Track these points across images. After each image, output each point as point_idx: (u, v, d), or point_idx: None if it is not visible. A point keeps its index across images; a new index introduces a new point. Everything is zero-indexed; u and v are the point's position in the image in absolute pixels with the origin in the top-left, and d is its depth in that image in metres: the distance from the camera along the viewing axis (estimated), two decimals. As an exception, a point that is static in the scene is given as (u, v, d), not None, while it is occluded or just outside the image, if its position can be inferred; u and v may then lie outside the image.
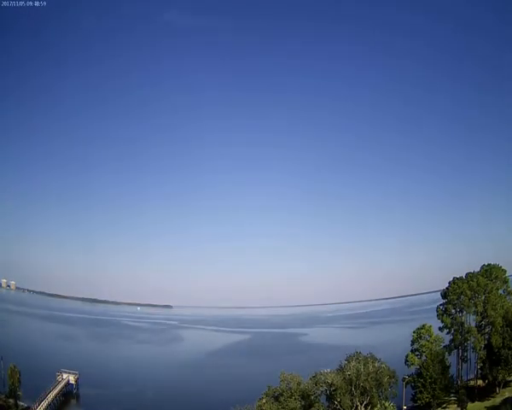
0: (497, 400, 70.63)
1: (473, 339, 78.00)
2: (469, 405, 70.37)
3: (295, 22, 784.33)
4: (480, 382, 78.09)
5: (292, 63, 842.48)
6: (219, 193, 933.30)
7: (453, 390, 78.43)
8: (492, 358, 71.59)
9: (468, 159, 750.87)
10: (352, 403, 70.23)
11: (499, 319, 72.96)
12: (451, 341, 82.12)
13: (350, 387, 69.47)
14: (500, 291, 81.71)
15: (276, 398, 67.78)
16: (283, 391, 68.63)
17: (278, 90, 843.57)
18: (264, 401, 67.71)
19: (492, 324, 74.91)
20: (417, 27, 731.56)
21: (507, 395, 70.70)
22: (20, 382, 77.47)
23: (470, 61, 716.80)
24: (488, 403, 71.30)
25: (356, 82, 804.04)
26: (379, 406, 70.18)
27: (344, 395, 69.60)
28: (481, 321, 79.70)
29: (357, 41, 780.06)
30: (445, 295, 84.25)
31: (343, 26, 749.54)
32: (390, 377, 72.49)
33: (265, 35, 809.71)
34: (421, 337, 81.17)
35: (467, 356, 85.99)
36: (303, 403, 67.57)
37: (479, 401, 74.34)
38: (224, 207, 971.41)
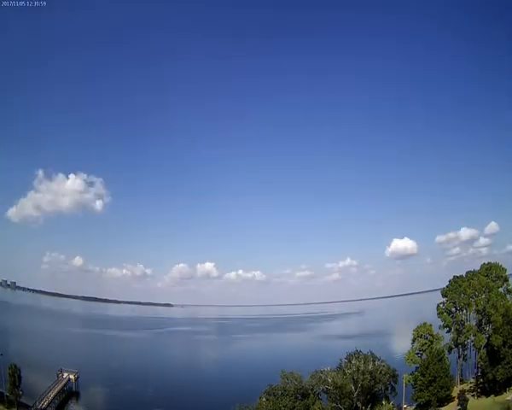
0: (498, 399, 70.49)
1: (473, 338, 78.01)
2: (469, 403, 70.30)
3: (295, 34, 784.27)
4: (480, 380, 78.03)
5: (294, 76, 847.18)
6: (222, 193, 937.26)
7: (453, 389, 78.48)
8: (493, 356, 71.50)
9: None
10: (353, 401, 70.38)
11: (499, 318, 72.87)
12: (452, 339, 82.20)
13: (350, 385, 69.62)
14: (500, 290, 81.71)
15: (277, 396, 67.91)
16: (284, 390, 68.78)
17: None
18: (264, 399, 67.86)
19: (493, 322, 74.86)
20: (417, 30, 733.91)
21: (507, 394, 70.57)
22: (20, 380, 77.38)
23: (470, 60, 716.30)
24: (488, 402, 71.21)
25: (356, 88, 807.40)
26: (379, 404, 70.30)
27: (344, 394, 69.75)
28: (482, 320, 79.68)
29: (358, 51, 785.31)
30: (445, 293, 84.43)
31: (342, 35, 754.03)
32: (390, 376, 72.73)
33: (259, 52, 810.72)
34: (421, 336, 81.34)
35: (467, 355, 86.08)
36: (303, 401, 67.68)
37: (479, 399, 74.34)
38: (226, 206, 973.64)
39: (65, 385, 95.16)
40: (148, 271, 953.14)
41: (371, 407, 70.63)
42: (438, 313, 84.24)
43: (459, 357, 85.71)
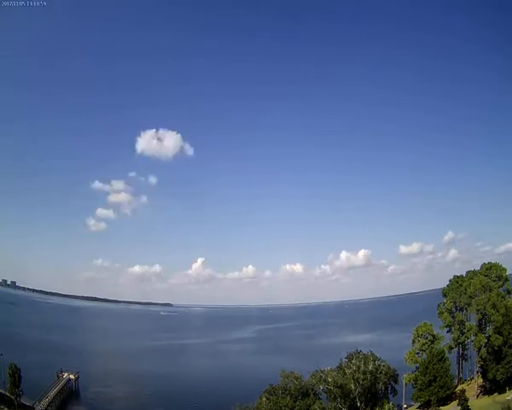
0: (498, 398, 70.49)
1: (473, 337, 78.00)
2: (470, 403, 70.30)
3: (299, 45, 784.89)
4: (480, 380, 78.04)
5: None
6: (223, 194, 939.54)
7: (453, 389, 78.47)
8: (494, 356, 71.49)
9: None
10: (353, 401, 70.41)
11: (500, 318, 72.88)
12: (452, 339, 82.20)
13: (350, 385, 69.64)
14: (500, 290, 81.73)
15: (277, 396, 67.96)
16: (284, 389, 68.82)
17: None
18: (264, 398, 67.86)
19: (493, 322, 74.89)
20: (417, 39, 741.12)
21: (508, 393, 70.56)
22: (20, 380, 77.25)
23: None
24: (489, 402, 71.22)
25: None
26: (379, 403, 70.35)
27: (344, 393, 69.78)
28: (482, 319, 79.70)
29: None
30: (445, 293, 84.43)
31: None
32: (390, 376, 72.78)
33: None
34: (421, 336, 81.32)
35: (467, 355, 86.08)
36: (304, 401, 67.68)
37: (479, 399, 74.35)
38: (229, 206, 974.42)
39: (65, 385, 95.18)
40: (150, 272, 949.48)
41: (371, 407, 70.72)
42: (438, 313, 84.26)
43: (459, 357, 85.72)
